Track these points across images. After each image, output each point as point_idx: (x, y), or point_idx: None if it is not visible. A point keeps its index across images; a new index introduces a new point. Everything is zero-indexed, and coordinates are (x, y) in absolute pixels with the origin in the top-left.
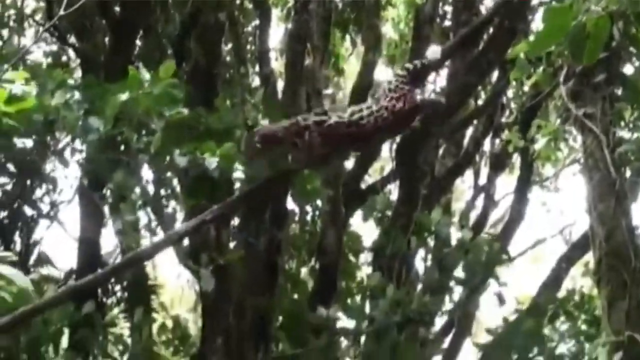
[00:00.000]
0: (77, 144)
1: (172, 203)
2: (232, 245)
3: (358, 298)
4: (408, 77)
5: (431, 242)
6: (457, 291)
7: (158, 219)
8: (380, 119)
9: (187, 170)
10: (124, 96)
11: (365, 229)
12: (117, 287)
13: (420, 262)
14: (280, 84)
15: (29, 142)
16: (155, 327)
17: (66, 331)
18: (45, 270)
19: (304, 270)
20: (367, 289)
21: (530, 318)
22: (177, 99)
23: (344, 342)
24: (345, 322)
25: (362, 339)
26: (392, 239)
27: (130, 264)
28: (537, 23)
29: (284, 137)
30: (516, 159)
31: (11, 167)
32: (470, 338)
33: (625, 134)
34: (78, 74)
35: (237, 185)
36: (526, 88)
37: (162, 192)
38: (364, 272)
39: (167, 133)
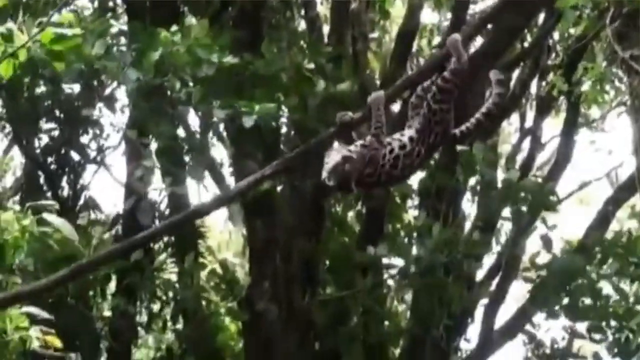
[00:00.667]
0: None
1: (219, 149)
2: (278, 189)
3: (405, 240)
4: (449, 101)
5: (477, 185)
6: (504, 233)
7: (205, 164)
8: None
9: (233, 119)
10: (165, 46)
11: None
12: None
13: (467, 203)
14: (326, 28)
15: (75, 88)
16: (203, 272)
17: (114, 277)
18: (92, 215)
19: (350, 214)
20: (414, 229)
21: (578, 258)
22: (222, 46)
23: (391, 283)
24: (392, 263)
25: (409, 279)
26: (438, 181)
27: (188, 219)
28: None
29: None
30: (562, 101)
31: (58, 113)
32: (517, 281)
33: None
34: (125, 19)
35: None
36: (572, 30)
37: (208, 138)
38: (411, 215)
39: (211, 82)
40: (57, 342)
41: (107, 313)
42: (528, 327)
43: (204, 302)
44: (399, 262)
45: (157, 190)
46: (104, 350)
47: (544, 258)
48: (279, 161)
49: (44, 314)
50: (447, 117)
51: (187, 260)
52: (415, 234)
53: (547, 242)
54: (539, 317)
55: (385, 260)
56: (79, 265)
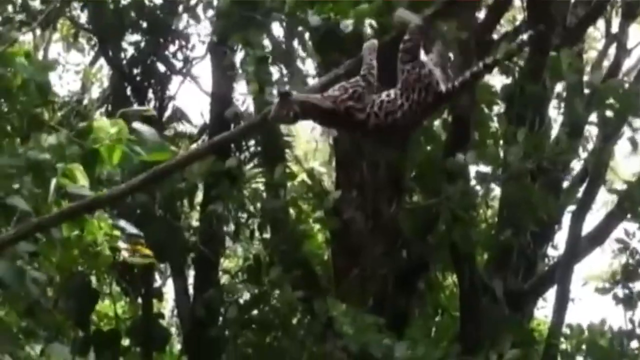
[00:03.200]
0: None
1: (303, 58)
2: None
3: (491, 144)
4: (417, 59)
5: (564, 90)
6: (591, 138)
7: (289, 73)
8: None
9: (318, 27)
10: None
11: (498, 80)
12: (251, 142)
13: (553, 110)
14: None
15: None
16: (290, 182)
17: (201, 187)
18: (179, 126)
19: (436, 122)
20: (501, 136)
21: None
22: None
23: (478, 189)
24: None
25: (496, 186)
26: (525, 88)
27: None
28: None
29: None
30: None
31: (144, 24)
32: (605, 186)
33: None
34: None
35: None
36: None
37: (293, 47)
38: (497, 123)
39: None
40: (147, 252)
41: (195, 223)
42: (620, 234)
43: (291, 212)
44: (486, 169)
45: (243, 100)
46: (192, 261)
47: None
48: (352, 60)
49: (132, 228)
50: (422, 73)
51: (277, 170)
52: (501, 141)
53: (634, 145)
54: (633, 226)
55: (472, 168)
56: (161, 167)
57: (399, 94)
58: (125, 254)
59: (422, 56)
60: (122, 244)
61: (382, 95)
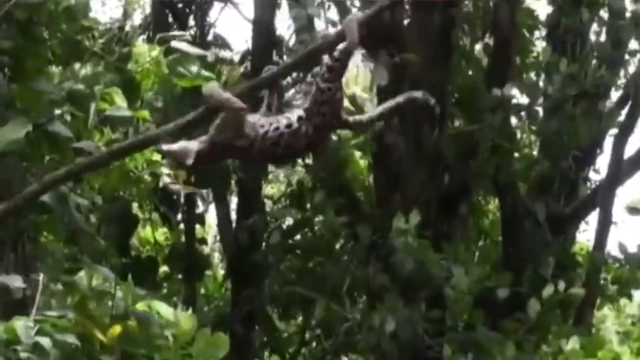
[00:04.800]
0: None
1: None
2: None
3: (532, 74)
4: (338, 80)
5: (605, 15)
6: (632, 64)
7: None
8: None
9: None
10: None
11: (539, 4)
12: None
13: (594, 35)
14: None
15: None
16: None
17: None
18: (221, 53)
19: (477, 47)
20: (542, 64)
21: None
22: None
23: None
24: (520, 99)
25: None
26: (566, 13)
27: (317, 51)
28: None
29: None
30: None
31: None
32: None
33: None
34: None
35: None
36: None
37: None
38: (539, 47)
39: None
40: (189, 177)
41: None
42: None
43: (333, 137)
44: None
45: (285, 26)
46: (234, 185)
47: None
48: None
49: None
50: (335, 98)
51: None
52: (543, 69)
53: None
54: None
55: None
56: (210, 106)
57: (302, 118)
58: (166, 180)
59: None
60: (163, 170)
61: (281, 125)
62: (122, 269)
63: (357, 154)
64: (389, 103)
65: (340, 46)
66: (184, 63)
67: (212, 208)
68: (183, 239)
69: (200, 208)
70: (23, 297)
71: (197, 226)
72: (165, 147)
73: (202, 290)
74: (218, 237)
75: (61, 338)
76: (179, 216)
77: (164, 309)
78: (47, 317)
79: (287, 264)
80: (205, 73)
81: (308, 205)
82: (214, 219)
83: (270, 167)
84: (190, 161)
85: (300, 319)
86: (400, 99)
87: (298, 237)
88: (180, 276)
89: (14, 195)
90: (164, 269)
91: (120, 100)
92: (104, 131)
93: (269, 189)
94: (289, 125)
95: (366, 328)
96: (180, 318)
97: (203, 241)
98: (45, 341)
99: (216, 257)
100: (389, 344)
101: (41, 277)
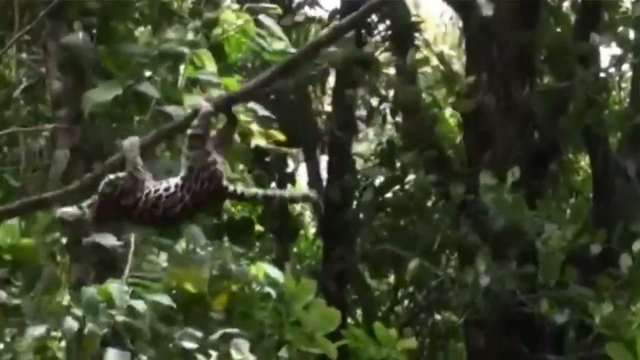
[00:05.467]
0: None
1: None
2: None
3: (621, 29)
4: (203, 146)
5: None
6: None
7: None
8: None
9: None
10: None
11: None
12: (381, 27)
13: None
14: None
15: None
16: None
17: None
18: (310, 12)
19: (565, 4)
20: (631, 19)
21: None
22: None
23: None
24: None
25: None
26: None
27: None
28: None
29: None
30: None
31: None
32: None
33: None
34: None
35: None
36: None
37: None
38: (627, 2)
39: None
40: (280, 137)
41: (328, 108)
42: None
43: (423, 96)
44: (616, 51)
45: None
46: (325, 145)
47: None
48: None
49: (265, 112)
50: (208, 162)
51: (409, 55)
52: (632, 23)
53: None
54: None
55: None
56: (290, 59)
57: (179, 185)
58: (258, 140)
59: (209, 145)
60: (255, 128)
61: (160, 187)
62: (216, 230)
63: (447, 112)
64: (276, 191)
65: (200, 113)
66: (268, 38)
67: (303, 167)
68: None
69: (291, 167)
70: (115, 258)
71: (289, 185)
72: (58, 212)
73: (294, 249)
74: None
75: (156, 299)
76: (271, 175)
77: (270, 271)
78: (141, 280)
79: (378, 222)
80: (291, 50)
81: (398, 164)
82: (305, 178)
83: (361, 126)
84: (90, 231)
85: (391, 277)
86: (286, 193)
87: (389, 195)
88: (272, 235)
89: (104, 157)
90: (257, 228)
91: (210, 63)
92: (194, 91)
93: (358, 148)
94: (167, 189)
95: (458, 285)
96: (300, 283)
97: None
98: (139, 304)
99: (307, 215)
100: (482, 301)
101: (133, 237)
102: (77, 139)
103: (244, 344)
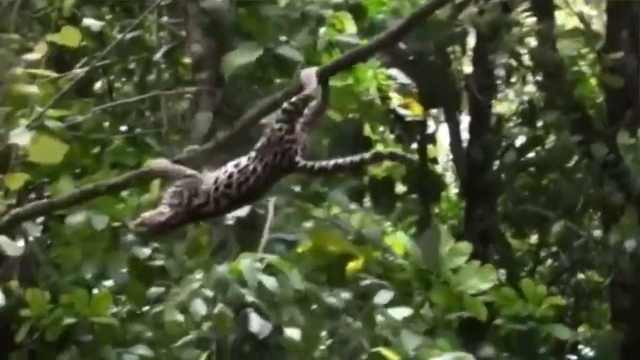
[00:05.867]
0: None
1: None
2: None
3: None
4: (291, 122)
5: None
6: None
7: None
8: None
9: None
10: None
11: None
12: None
13: None
14: None
15: None
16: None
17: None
18: None
19: None
20: None
21: None
22: None
23: None
24: None
25: None
26: None
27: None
28: None
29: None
30: None
31: None
32: None
33: None
34: None
35: None
36: None
37: None
38: None
39: None
40: (417, 107)
41: (467, 69)
42: None
43: (563, 55)
44: None
45: None
46: (465, 106)
47: None
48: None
49: (404, 77)
50: (287, 138)
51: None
52: None
53: None
54: None
55: None
56: (420, 10)
57: (251, 157)
58: (396, 104)
59: (297, 123)
60: (394, 94)
61: (229, 167)
62: (359, 190)
63: (588, 71)
64: (353, 157)
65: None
66: None
67: (444, 128)
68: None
69: (431, 128)
70: (255, 219)
71: (430, 146)
72: (142, 217)
73: (436, 210)
74: (450, 157)
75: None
76: (412, 136)
77: (403, 239)
78: (281, 243)
79: (519, 182)
80: None
81: (539, 124)
82: (446, 138)
83: (501, 86)
84: (150, 233)
85: (533, 237)
86: (367, 155)
87: (530, 155)
88: (414, 196)
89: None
90: (399, 189)
91: (350, 25)
92: (333, 54)
93: (499, 108)
94: (236, 165)
95: (602, 246)
96: (454, 246)
97: (435, 161)
98: (270, 281)
99: (448, 176)
100: (627, 262)
101: (272, 200)
102: (219, 102)
103: (387, 294)
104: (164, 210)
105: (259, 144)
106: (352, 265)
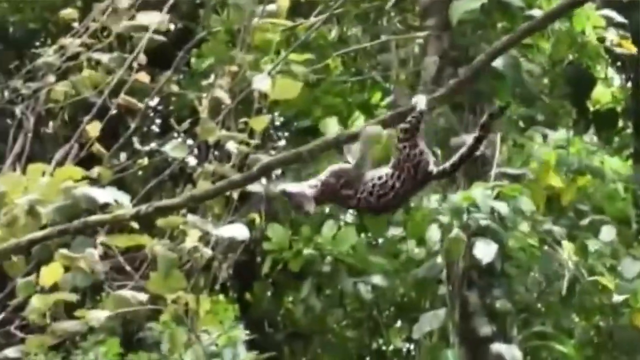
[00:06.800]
0: None
1: None
2: None
3: None
4: (412, 139)
5: None
6: None
7: None
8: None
9: None
10: None
11: None
12: None
13: None
14: None
15: None
16: None
17: None
18: None
19: None
20: None
21: None
22: None
23: None
24: None
25: None
26: None
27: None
28: None
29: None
30: None
31: None
32: None
33: None
34: None
35: None
36: None
37: None
38: None
39: None
40: (630, 46)
41: None
42: None
43: None
44: None
45: None
46: None
47: None
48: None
49: (619, 16)
50: (413, 153)
51: None
52: None
53: None
54: None
55: None
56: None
57: (389, 174)
58: (611, 43)
59: (418, 137)
60: (609, 34)
61: (374, 177)
62: (584, 124)
63: None
64: (463, 149)
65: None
66: None
67: None
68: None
69: None
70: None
71: None
72: (287, 188)
73: None
74: None
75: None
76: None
77: (615, 163)
78: (504, 183)
79: None
80: None
81: None
82: None
83: None
84: (310, 209)
85: None
86: (469, 140)
87: None
88: (629, 131)
89: (470, 61)
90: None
91: None
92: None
93: None
94: (379, 177)
95: None
96: None
97: None
98: (502, 206)
99: None
100: None
101: (498, 136)
102: (446, 46)
103: (611, 230)
104: (314, 184)
105: (392, 162)
106: (568, 196)
